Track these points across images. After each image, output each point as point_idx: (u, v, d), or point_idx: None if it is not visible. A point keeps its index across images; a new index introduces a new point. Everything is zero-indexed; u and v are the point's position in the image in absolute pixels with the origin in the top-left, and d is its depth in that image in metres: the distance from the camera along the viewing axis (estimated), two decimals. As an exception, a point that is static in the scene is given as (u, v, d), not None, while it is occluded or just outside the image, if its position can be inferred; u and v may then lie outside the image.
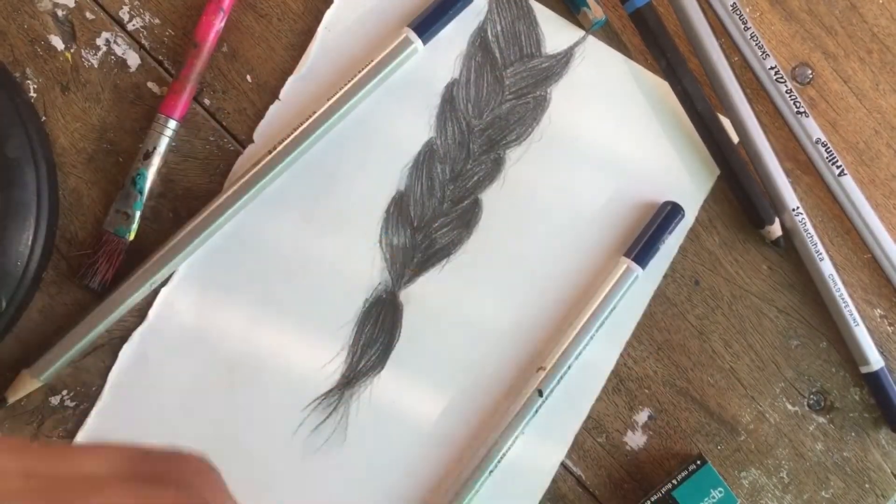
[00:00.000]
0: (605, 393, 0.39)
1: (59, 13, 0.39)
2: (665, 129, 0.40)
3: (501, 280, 0.40)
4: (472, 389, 0.39)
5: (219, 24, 0.38)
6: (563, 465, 0.39)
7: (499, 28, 0.40)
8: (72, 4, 0.39)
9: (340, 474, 0.39)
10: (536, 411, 0.38)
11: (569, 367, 0.38)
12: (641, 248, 0.39)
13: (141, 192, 0.38)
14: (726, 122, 0.39)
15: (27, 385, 0.37)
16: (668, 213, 0.39)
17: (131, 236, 0.38)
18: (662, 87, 0.40)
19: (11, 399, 0.37)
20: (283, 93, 0.39)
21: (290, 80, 0.39)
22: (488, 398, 0.39)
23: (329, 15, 0.39)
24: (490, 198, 0.40)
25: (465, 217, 0.40)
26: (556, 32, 0.40)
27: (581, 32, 0.40)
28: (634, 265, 0.38)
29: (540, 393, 0.38)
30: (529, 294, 0.40)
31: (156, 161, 0.38)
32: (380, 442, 0.39)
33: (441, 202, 0.40)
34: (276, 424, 0.39)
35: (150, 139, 0.38)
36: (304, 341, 0.39)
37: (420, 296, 0.39)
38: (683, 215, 0.39)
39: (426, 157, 0.40)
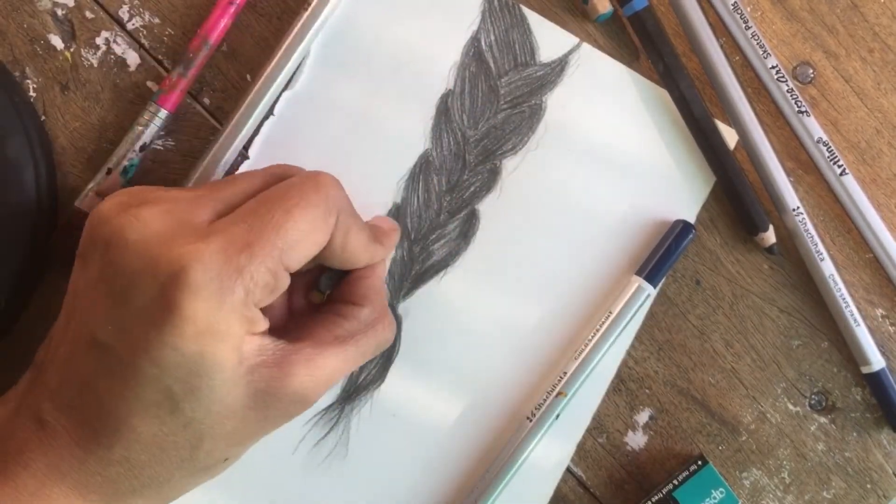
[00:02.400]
0: (605, 393, 0.39)
1: (59, 12, 0.39)
2: (662, 135, 0.40)
3: (501, 291, 0.39)
4: (474, 402, 0.39)
5: (227, 20, 0.38)
6: (563, 465, 0.39)
7: (492, 37, 0.40)
8: (71, 3, 0.39)
9: (343, 489, 0.39)
10: (546, 431, 0.38)
11: (580, 385, 0.38)
12: (653, 266, 0.38)
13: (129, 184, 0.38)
14: (724, 128, 0.39)
15: None
16: (680, 232, 0.39)
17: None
18: (659, 92, 0.40)
19: None
20: (277, 108, 0.39)
21: (285, 95, 0.39)
22: (490, 411, 0.39)
23: (317, 43, 0.39)
24: (487, 208, 0.40)
25: (463, 228, 0.40)
26: (550, 40, 0.40)
27: (576, 40, 0.40)
28: (646, 284, 0.38)
29: (557, 416, 0.38)
30: (530, 305, 0.39)
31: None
32: (381, 455, 0.39)
33: (438, 214, 0.40)
34: (276, 441, 0.38)
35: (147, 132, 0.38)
36: None
37: (419, 308, 0.39)
38: (695, 234, 0.39)
39: (422, 169, 0.39)
